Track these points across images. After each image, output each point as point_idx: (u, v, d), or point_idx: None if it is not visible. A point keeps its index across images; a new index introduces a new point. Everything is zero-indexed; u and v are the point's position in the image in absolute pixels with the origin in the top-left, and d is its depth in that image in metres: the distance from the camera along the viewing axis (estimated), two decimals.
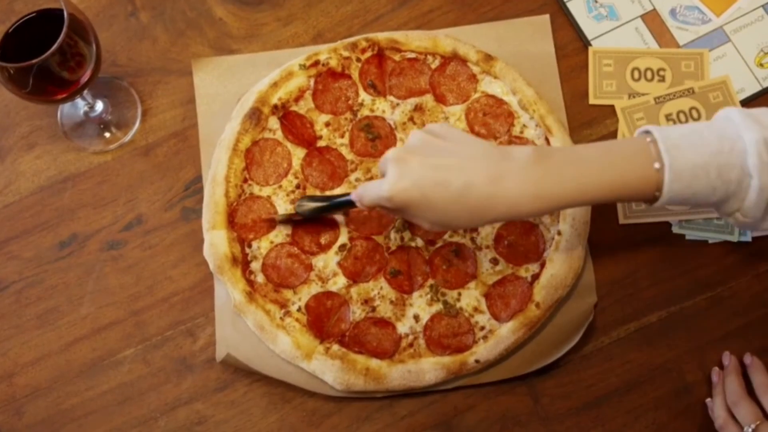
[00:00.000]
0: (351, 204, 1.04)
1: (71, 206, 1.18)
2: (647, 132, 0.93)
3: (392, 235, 1.14)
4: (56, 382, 1.13)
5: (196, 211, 1.17)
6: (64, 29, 0.99)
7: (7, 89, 1.04)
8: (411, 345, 1.10)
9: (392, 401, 1.10)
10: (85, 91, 1.12)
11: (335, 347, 1.09)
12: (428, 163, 0.92)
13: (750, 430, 1.01)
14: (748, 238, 1.14)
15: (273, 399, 1.11)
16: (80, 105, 1.20)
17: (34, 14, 1.06)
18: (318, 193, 1.15)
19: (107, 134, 1.22)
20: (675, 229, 1.15)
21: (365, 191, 0.99)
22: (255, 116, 1.16)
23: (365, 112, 1.18)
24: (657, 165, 0.90)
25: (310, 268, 1.13)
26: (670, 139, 0.91)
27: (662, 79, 1.21)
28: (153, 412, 1.11)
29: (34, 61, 0.98)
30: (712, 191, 0.91)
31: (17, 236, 1.18)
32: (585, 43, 1.23)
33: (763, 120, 0.91)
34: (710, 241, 1.15)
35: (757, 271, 1.14)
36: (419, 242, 1.13)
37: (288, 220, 1.14)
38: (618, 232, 1.16)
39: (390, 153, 0.95)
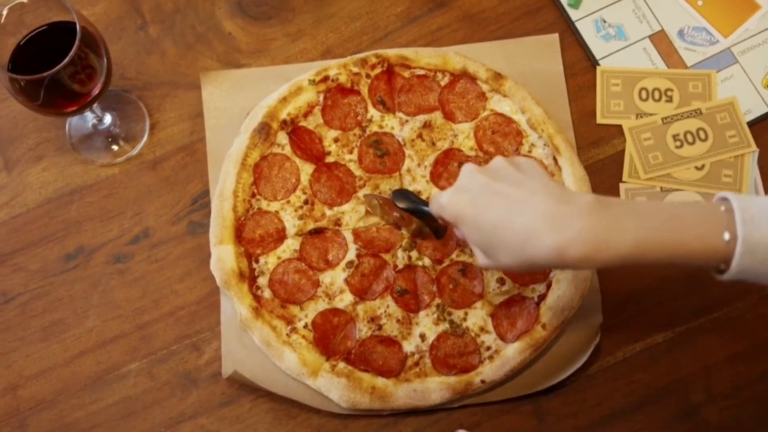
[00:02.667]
0: (431, 216, 1.04)
1: (78, 219, 1.18)
2: (724, 199, 0.87)
3: (399, 253, 1.14)
4: (60, 395, 1.12)
5: (203, 225, 1.17)
6: (77, 42, 0.99)
7: (17, 101, 1.05)
8: (417, 364, 1.09)
9: (397, 419, 1.10)
10: (95, 104, 1.12)
11: (341, 365, 1.08)
12: (492, 186, 0.91)
13: None
14: None
15: (278, 415, 1.11)
16: (89, 118, 1.20)
17: (45, 27, 1.06)
18: (326, 209, 1.15)
19: (115, 147, 1.22)
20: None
21: (433, 199, 1.00)
22: (264, 131, 1.16)
23: (374, 128, 1.18)
24: (727, 236, 0.84)
25: (317, 284, 1.12)
26: (749, 210, 0.84)
27: (670, 100, 1.21)
28: (157, 426, 1.11)
29: (45, 73, 0.98)
30: None
31: (23, 248, 1.17)
32: (593, 62, 1.23)
33: None
34: None
35: (764, 293, 1.14)
36: (426, 261, 1.13)
37: (375, 198, 1.14)
38: None
39: (467, 166, 0.96)
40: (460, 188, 0.95)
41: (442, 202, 0.96)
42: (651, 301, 1.14)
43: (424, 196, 1.16)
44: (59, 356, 1.14)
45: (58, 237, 1.18)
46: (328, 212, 1.15)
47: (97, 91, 1.07)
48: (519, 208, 0.88)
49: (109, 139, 1.22)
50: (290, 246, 1.14)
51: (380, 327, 1.11)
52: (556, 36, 1.23)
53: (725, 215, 0.85)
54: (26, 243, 1.18)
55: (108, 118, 1.21)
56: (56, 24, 1.05)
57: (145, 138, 1.21)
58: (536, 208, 0.87)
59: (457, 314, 1.11)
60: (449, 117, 1.19)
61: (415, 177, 1.17)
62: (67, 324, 1.15)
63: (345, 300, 1.12)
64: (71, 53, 0.98)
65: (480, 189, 0.92)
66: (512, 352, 1.08)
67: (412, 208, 1.08)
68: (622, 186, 1.17)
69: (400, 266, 1.13)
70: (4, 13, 1.04)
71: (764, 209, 0.84)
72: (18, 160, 1.21)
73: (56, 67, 0.98)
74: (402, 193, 1.11)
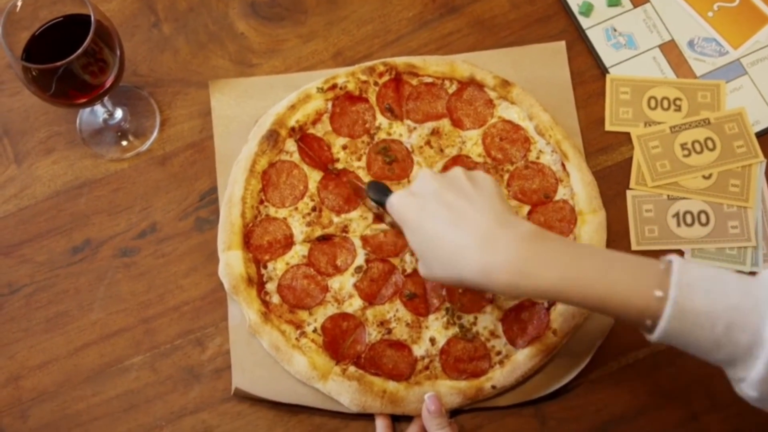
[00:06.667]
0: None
1: (86, 212, 1.19)
2: (670, 261, 0.85)
3: (407, 257, 1.14)
4: (62, 386, 1.13)
5: (210, 222, 1.18)
6: (90, 33, 0.99)
7: (30, 91, 1.05)
8: (427, 368, 1.09)
9: (398, 419, 1.10)
10: (106, 99, 1.13)
11: (352, 368, 1.08)
12: (442, 196, 0.93)
13: None
14: (760, 268, 1.14)
15: (280, 412, 1.11)
16: (99, 112, 1.21)
17: (60, 18, 1.06)
18: (334, 216, 1.15)
19: (125, 142, 1.22)
20: (687, 258, 1.15)
21: (391, 196, 1.01)
22: (272, 138, 1.16)
23: (382, 135, 1.19)
24: (659, 294, 0.82)
25: (326, 289, 1.13)
26: (688, 274, 0.82)
27: (678, 109, 1.21)
28: (158, 420, 1.11)
29: (58, 63, 0.98)
30: (716, 347, 0.81)
31: (31, 240, 1.18)
32: (603, 70, 1.24)
33: None
34: None
35: None
36: None
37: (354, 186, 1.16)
38: None
39: (424, 171, 0.98)
40: (412, 191, 0.97)
41: (392, 202, 0.98)
42: None
43: None
44: (62, 348, 1.14)
45: (65, 230, 1.18)
46: (336, 219, 1.15)
47: (109, 84, 1.07)
48: (459, 222, 0.90)
49: (119, 134, 1.22)
50: (298, 252, 1.14)
51: (390, 331, 1.11)
52: (562, 44, 1.24)
53: (662, 273, 0.84)
54: (34, 235, 1.18)
55: (119, 113, 1.21)
56: (71, 16, 1.06)
57: (155, 134, 1.22)
58: (475, 226, 0.89)
59: (467, 318, 1.11)
60: (457, 124, 1.19)
61: None
62: (71, 316, 1.15)
63: (354, 305, 1.12)
64: (85, 44, 0.99)
65: (429, 195, 0.94)
66: (523, 358, 1.08)
67: (379, 200, 1.09)
68: (629, 193, 1.18)
69: (409, 270, 1.13)
70: (19, 4, 1.04)
71: (703, 278, 0.82)
72: (28, 152, 1.21)
73: (69, 58, 0.98)
74: (376, 186, 1.11)
